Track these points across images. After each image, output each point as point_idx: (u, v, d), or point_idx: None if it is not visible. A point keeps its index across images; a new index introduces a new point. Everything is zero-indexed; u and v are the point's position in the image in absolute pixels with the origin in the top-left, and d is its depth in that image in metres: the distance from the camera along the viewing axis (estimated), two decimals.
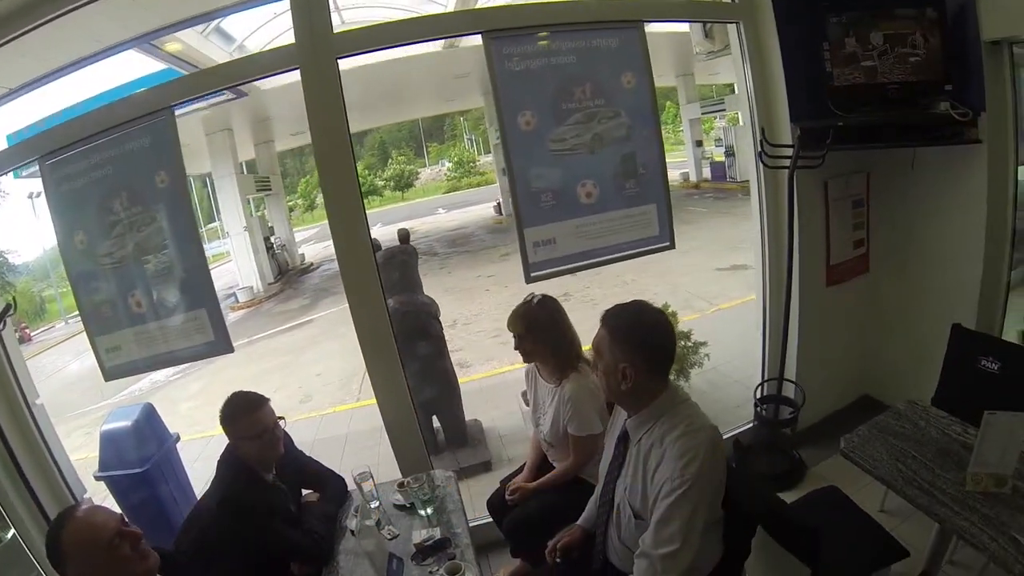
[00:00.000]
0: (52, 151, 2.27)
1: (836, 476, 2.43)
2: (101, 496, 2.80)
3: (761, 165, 2.73)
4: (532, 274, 2.41)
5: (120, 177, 2.26)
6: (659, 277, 7.43)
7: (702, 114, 15.88)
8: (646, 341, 1.44)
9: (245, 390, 1.89)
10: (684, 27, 6.74)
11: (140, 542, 1.33)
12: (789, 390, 2.80)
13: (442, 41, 9.87)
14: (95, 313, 2.38)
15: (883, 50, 2.38)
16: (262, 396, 1.87)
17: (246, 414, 1.80)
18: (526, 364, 2.26)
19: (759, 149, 2.65)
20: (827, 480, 2.44)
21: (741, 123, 14.55)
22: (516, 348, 2.12)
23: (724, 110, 16.00)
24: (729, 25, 2.77)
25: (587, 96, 2.41)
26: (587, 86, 2.41)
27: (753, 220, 2.93)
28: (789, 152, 2.56)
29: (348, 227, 2.26)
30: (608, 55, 2.44)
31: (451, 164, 31.55)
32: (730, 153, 14.25)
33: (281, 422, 1.89)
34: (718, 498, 1.40)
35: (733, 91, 15.32)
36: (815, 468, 2.78)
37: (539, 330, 2.08)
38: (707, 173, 15.55)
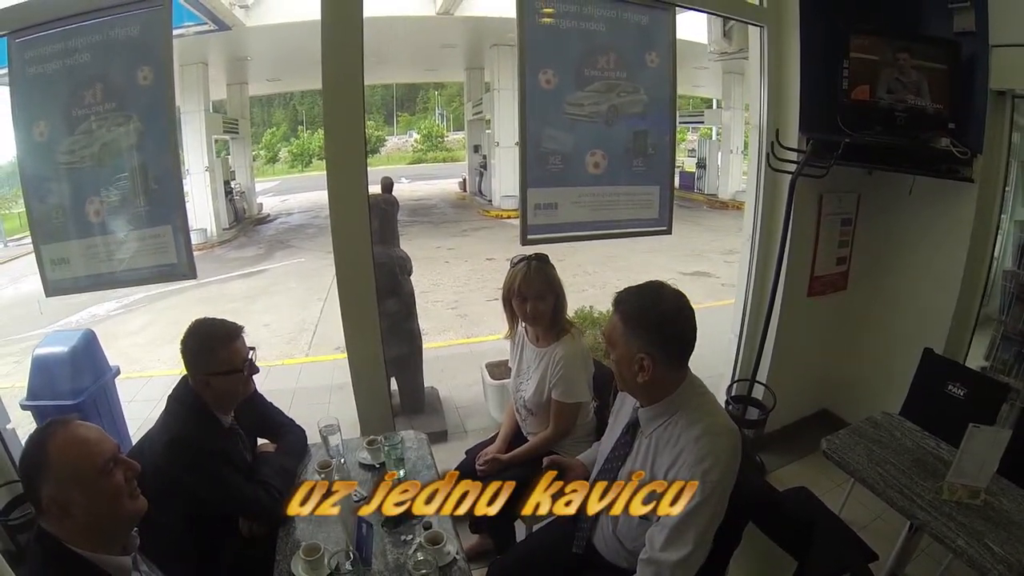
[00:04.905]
0: (24, 28, 1.95)
1: (794, 483, 2.45)
2: (25, 429, 2.46)
3: (764, 168, 2.75)
4: (529, 236, 2.32)
5: (97, 67, 1.97)
6: (621, 272, 7.49)
7: (680, 124, 16.17)
8: (666, 330, 1.30)
9: (212, 317, 1.66)
10: (689, 36, 6.80)
11: (135, 476, 1.13)
12: (758, 393, 2.84)
13: (437, 6, 9.58)
14: (45, 218, 2.07)
15: (898, 77, 2.43)
16: (236, 323, 1.65)
17: (225, 345, 1.58)
18: (511, 330, 2.16)
19: (767, 151, 2.65)
20: (785, 486, 2.48)
21: (714, 138, 14.91)
22: (528, 311, 1.97)
23: (703, 123, 16.33)
24: (752, 28, 2.77)
25: (610, 66, 2.34)
26: (612, 56, 2.34)
27: (746, 222, 2.95)
28: (795, 158, 2.58)
29: (347, 174, 2.12)
30: (637, 31, 2.38)
31: (419, 136, 31.12)
32: (701, 165, 14.53)
33: (252, 354, 1.67)
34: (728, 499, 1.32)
35: (711, 106, 15.69)
36: (774, 473, 2.83)
37: (553, 290, 1.98)
38: (676, 182, 15.84)
